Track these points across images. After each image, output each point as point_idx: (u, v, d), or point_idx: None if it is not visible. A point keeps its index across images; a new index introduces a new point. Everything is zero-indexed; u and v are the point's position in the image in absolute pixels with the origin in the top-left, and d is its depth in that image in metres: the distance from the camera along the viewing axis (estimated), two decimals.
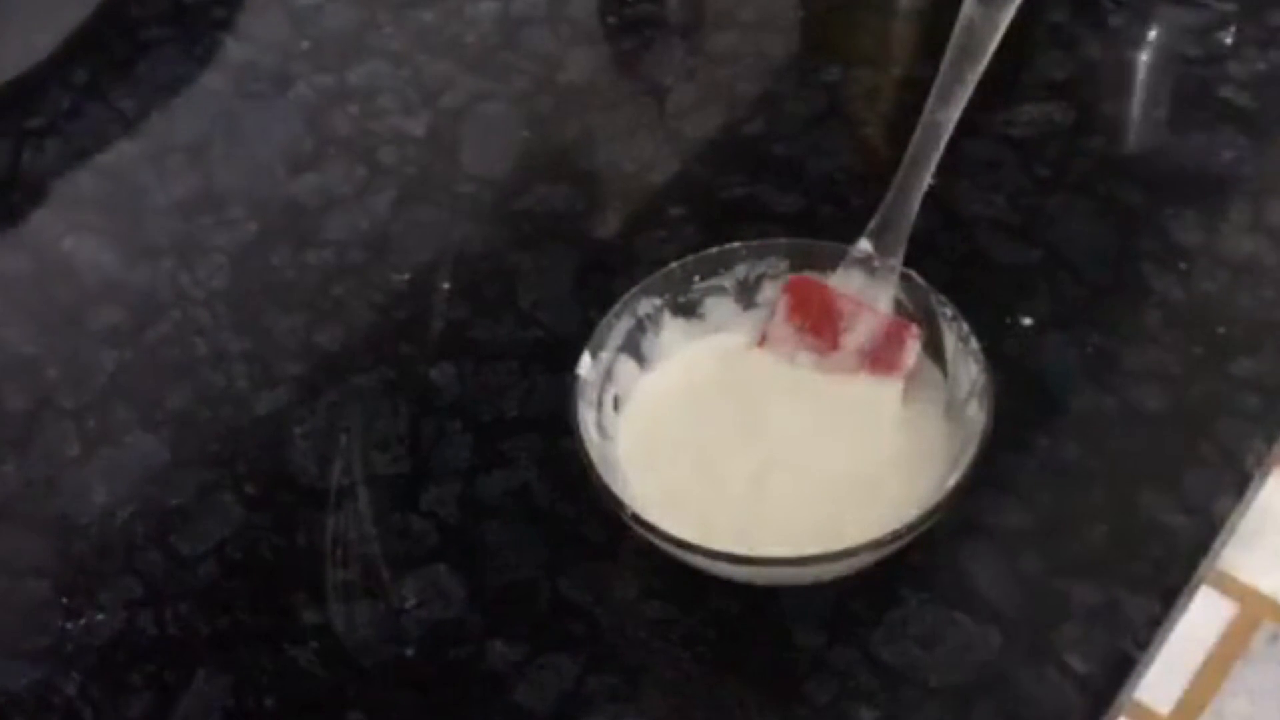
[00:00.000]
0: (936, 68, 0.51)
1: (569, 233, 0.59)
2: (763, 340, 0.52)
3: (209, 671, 0.48)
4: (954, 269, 0.54)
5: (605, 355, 0.49)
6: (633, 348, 0.50)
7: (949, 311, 0.48)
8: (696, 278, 0.51)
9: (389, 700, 0.46)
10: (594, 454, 0.46)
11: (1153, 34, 0.64)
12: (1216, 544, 0.47)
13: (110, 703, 0.47)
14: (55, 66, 0.68)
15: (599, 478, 0.45)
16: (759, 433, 0.49)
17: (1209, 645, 1.20)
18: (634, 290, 0.50)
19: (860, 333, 0.50)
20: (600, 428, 0.48)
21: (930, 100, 0.51)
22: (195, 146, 0.66)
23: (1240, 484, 0.48)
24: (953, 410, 0.48)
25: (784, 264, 0.51)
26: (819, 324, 0.51)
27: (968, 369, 0.47)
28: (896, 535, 0.43)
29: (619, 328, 0.50)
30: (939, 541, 0.46)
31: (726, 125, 0.63)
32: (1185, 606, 0.47)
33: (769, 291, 0.52)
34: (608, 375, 0.49)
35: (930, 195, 0.51)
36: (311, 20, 0.71)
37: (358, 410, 0.54)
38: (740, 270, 0.51)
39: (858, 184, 0.58)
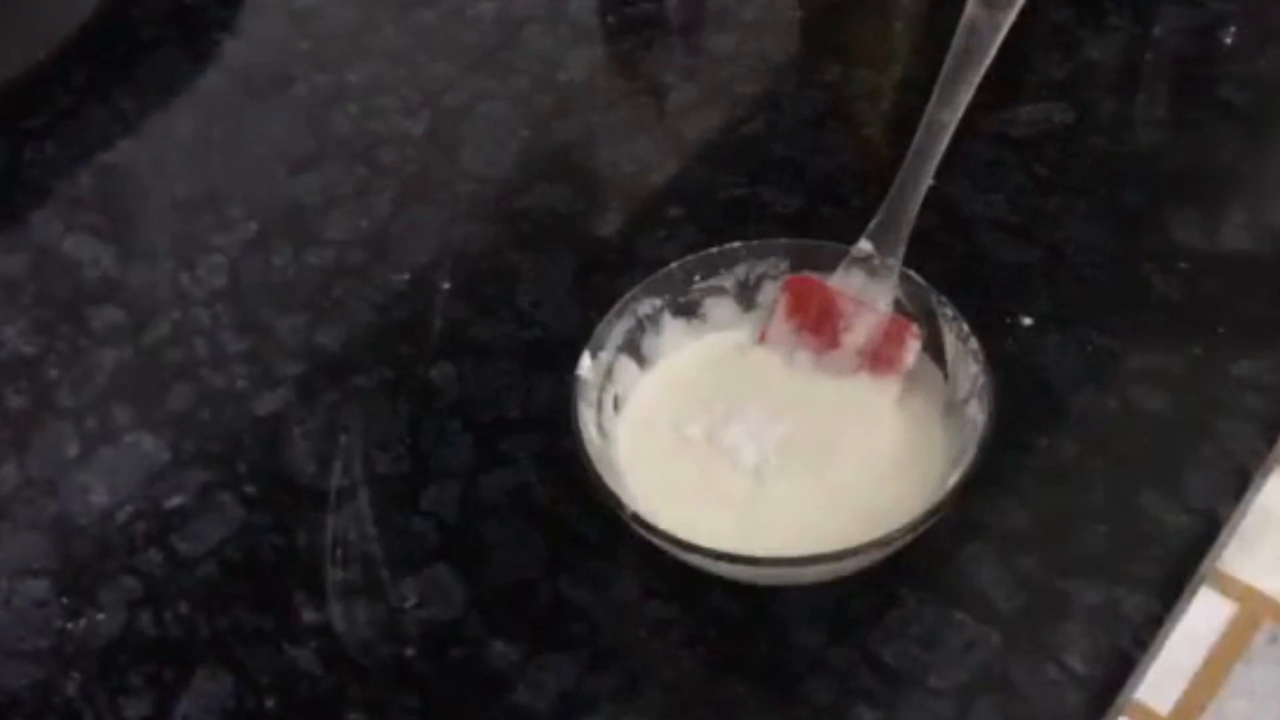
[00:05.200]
0: (937, 68, 0.51)
1: (569, 233, 0.59)
2: (762, 340, 0.52)
3: (209, 671, 0.48)
4: (954, 269, 0.54)
5: (605, 355, 0.49)
6: (633, 348, 0.50)
7: (949, 311, 0.48)
8: (696, 278, 0.51)
9: (389, 700, 0.46)
10: (594, 454, 0.46)
11: (1152, 34, 0.64)
12: (1216, 544, 0.47)
13: (110, 703, 0.47)
14: (55, 66, 0.68)
15: (599, 478, 0.45)
16: (759, 433, 0.49)
17: (1209, 645, 1.20)
18: (634, 290, 0.50)
19: (860, 332, 0.50)
20: (600, 428, 0.48)
21: (932, 100, 0.51)
22: (195, 146, 0.66)
23: (1240, 484, 0.48)
24: (953, 410, 0.48)
25: (784, 264, 0.51)
26: (819, 323, 0.51)
27: (968, 369, 0.47)
28: (896, 535, 0.43)
29: (619, 328, 0.50)
30: (939, 541, 0.46)
31: (726, 125, 0.63)
32: (1185, 606, 0.47)
33: (769, 291, 0.52)
34: (608, 375, 0.49)
35: (930, 195, 0.51)
36: (311, 20, 0.71)
37: (358, 410, 0.54)
38: (740, 270, 0.51)
39: (858, 184, 0.58)
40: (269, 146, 0.65)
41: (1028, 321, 0.53)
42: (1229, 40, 0.63)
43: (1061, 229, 0.56)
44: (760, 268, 0.51)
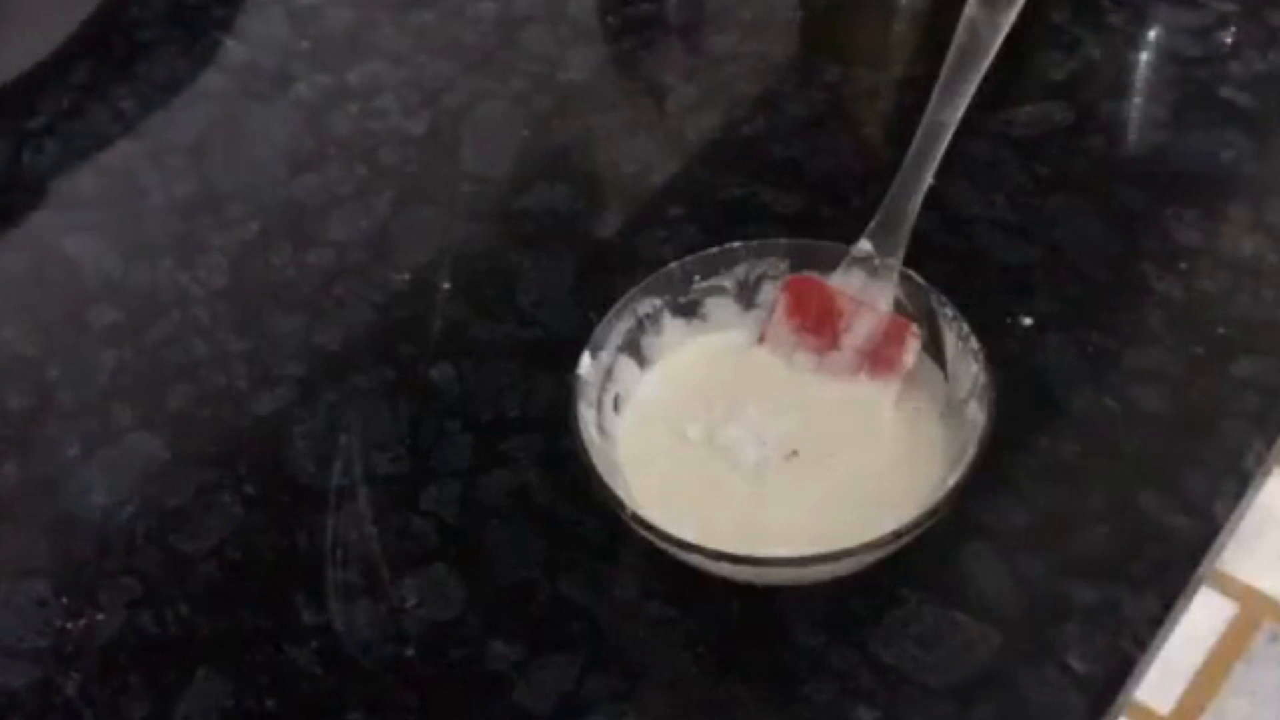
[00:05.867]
0: (936, 68, 0.51)
1: (569, 233, 0.59)
2: (762, 340, 0.52)
3: (209, 671, 0.48)
4: (954, 269, 0.54)
5: (605, 355, 0.49)
6: (633, 348, 0.50)
7: (949, 311, 0.48)
8: (696, 278, 0.51)
9: (389, 700, 0.46)
10: (594, 454, 0.46)
11: (1153, 34, 0.64)
12: (1216, 544, 0.47)
13: (110, 703, 0.47)
14: (55, 66, 0.68)
15: (599, 478, 0.45)
16: (759, 433, 0.49)
17: (1209, 645, 1.20)
18: (634, 290, 0.50)
19: (860, 332, 0.50)
20: (600, 428, 0.48)
21: (932, 100, 0.51)
22: (195, 146, 0.66)
23: (1240, 484, 0.48)
24: (953, 410, 0.48)
25: (784, 264, 0.51)
26: (818, 323, 0.51)
27: (968, 369, 0.47)
28: (896, 535, 0.43)
29: (619, 328, 0.50)
30: (939, 541, 0.46)
31: (726, 125, 0.63)
32: (1185, 606, 0.47)
33: (769, 291, 0.52)
34: (608, 375, 0.49)
35: (930, 195, 0.51)
36: (311, 20, 0.71)
37: (358, 410, 0.54)
38: (740, 270, 0.51)
39: (858, 184, 0.58)
40: (269, 146, 0.65)
41: (1028, 321, 0.53)
42: (1229, 40, 0.63)
43: (1061, 229, 0.56)
44: (760, 268, 0.51)
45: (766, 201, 0.59)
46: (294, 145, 0.65)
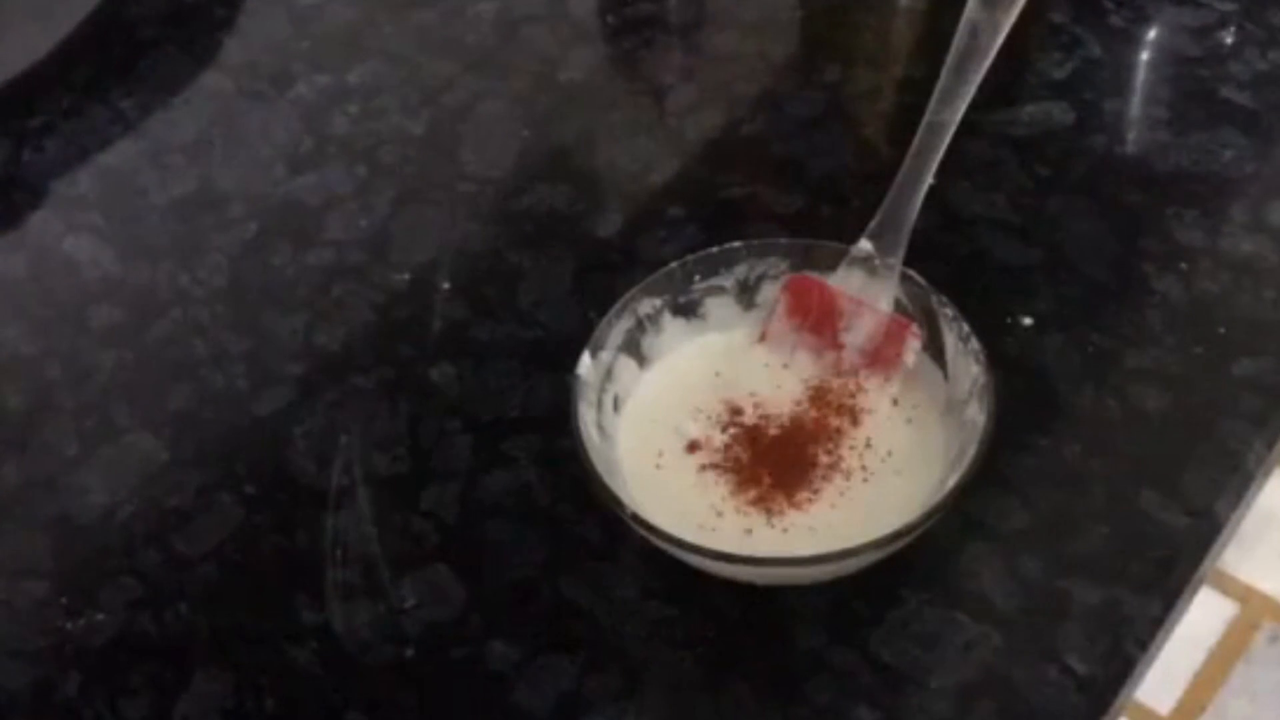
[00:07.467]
0: (937, 68, 0.51)
1: (569, 233, 0.59)
2: (762, 339, 0.52)
3: (209, 671, 0.48)
4: (954, 269, 0.54)
5: (605, 355, 0.49)
6: (633, 348, 0.50)
7: (949, 311, 0.48)
8: (696, 278, 0.51)
9: (389, 700, 0.46)
10: (594, 454, 0.46)
11: (1153, 34, 0.64)
12: (1217, 544, 0.47)
13: (110, 703, 0.47)
14: (55, 66, 0.68)
15: (599, 478, 0.45)
16: (759, 432, 0.49)
17: (1209, 645, 1.20)
18: (634, 290, 0.50)
19: (860, 332, 0.50)
20: (600, 428, 0.48)
21: (932, 101, 0.51)
22: (195, 146, 0.66)
23: (1240, 484, 0.48)
24: (953, 410, 0.48)
25: (784, 264, 0.51)
26: (819, 323, 0.51)
27: (968, 369, 0.47)
28: (896, 535, 0.43)
29: (619, 328, 0.50)
30: (939, 541, 0.46)
31: (726, 125, 0.63)
32: (1185, 607, 0.47)
33: (769, 291, 0.52)
34: (608, 375, 0.49)
35: (930, 195, 0.51)
36: (311, 20, 0.71)
37: (358, 410, 0.54)
38: (740, 270, 0.51)
39: (858, 184, 0.58)
40: (269, 146, 0.65)
41: (1028, 321, 0.53)
42: (1229, 40, 0.63)
43: (1061, 229, 0.56)
44: (760, 268, 0.51)
45: (766, 201, 0.59)
46: (294, 145, 0.65)
